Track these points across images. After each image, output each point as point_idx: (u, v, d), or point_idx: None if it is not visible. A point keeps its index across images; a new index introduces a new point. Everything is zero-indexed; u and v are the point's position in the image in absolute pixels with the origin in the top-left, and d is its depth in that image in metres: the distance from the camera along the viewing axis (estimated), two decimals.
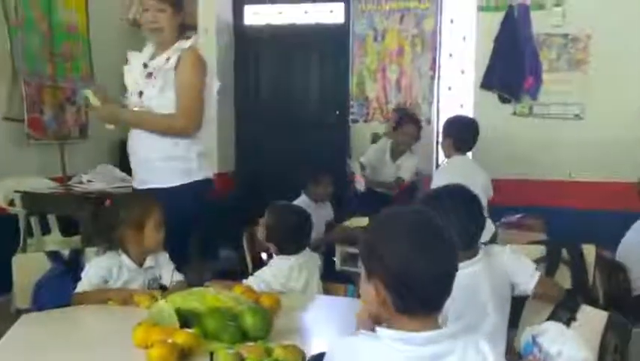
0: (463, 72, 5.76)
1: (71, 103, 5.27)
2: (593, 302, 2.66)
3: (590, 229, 3.43)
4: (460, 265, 1.47)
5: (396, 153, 5.13)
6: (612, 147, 5.07)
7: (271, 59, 6.34)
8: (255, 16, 6.34)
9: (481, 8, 5.47)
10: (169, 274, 2.55)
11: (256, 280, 2.59)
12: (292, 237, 2.74)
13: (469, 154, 4.21)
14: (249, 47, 6.35)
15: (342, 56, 5.97)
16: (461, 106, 5.72)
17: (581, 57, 5.24)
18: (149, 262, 2.52)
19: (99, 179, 4.48)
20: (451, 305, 1.44)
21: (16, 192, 4.39)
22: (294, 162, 5.39)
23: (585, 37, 5.20)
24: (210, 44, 5.92)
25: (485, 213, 2.55)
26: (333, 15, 6.10)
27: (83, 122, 5.38)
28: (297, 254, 2.71)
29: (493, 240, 3.18)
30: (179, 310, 1.94)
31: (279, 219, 2.79)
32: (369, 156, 5.22)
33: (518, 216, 4.37)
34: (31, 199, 4.32)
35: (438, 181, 3.69)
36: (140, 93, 3.03)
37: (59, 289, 2.46)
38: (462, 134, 4.00)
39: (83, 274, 2.44)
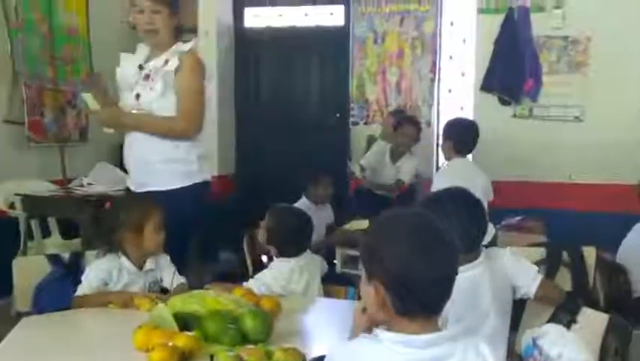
0: (463, 74, 5.76)
1: (72, 106, 5.27)
2: (594, 305, 2.66)
3: (591, 231, 3.43)
4: (461, 268, 1.48)
5: (395, 155, 5.13)
6: (612, 149, 5.07)
7: (271, 62, 6.35)
8: (255, 18, 6.35)
9: (481, 11, 5.47)
10: (170, 276, 2.55)
11: (256, 283, 2.59)
12: (293, 239, 2.74)
13: (470, 156, 4.21)
14: (250, 50, 6.36)
15: (342, 58, 5.97)
16: (461, 108, 5.73)
17: (581, 59, 5.24)
18: (149, 264, 2.52)
19: (99, 181, 4.48)
20: (450, 308, 1.44)
21: (17, 195, 4.39)
22: (295, 165, 5.39)
23: (585, 40, 5.20)
24: (211, 47, 5.93)
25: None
26: (333, 17, 6.10)
27: (83, 125, 5.38)
28: (298, 256, 2.71)
29: (493, 242, 3.17)
30: (178, 313, 1.94)
31: (279, 221, 2.79)
32: (369, 158, 5.23)
33: (518, 218, 4.37)
34: (31, 202, 4.32)
35: (438, 184, 3.70)
36: (137, 95, 3.00)
37: (60, 292, 2.46)
38: (462, 136, 4.00)
39: (83, 278, 2.44)
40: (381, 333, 1.39)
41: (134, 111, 3.03)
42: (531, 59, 5.33)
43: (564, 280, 2.86)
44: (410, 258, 1.35)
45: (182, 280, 2.58)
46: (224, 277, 4.31)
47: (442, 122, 5.24)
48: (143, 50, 3.11)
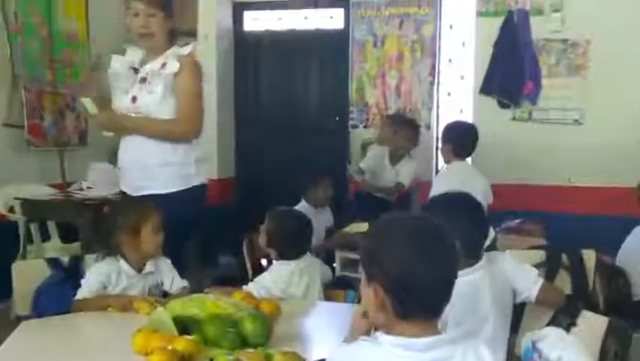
0: (462, 78, 5.76)
1: (71, 109, 5.26)
2: (593, 308, 2.66)
3: (590, 234, 3.43)
4: (461, 272, 1.48)
5: (395, 158, 5.13)
6: (612, 152, 5.07)
7: (271, 65, 6.35)
8: (254, 21, 6.35)
9: (480, 14, 5.47)
10: (170, 280, 2.55)
11: (256, 286, 2.59)
12: (292, 242, 2.74)
13: (469, 160, 4.21)
14: (249, 53, 6.36)
15: (341, 61, 5.97)
16: (461, 111, 5.72)
17: (580, 62, 5.24)
18: (148, 267, 2.52)
19: (98, 184, 4.48)
20: (450, 312, 1.44)
21: (16, 198, 4.39)
22: (294, 168, 5.40)
23: (584, 43, 5.20)
24: (210, 50, 5.93)
25: None
26: (332, 21, 6.10)
27: (82, 128, 5.38)
28: (298, 259, 2.71)
29: (492, 245, 3.17)
30: (177, 317, 1.94)
31: (279, 224, 2.79)
32: (369, 161, 5.22)
33: (518, 221, 4.36)
34: (30, 206, 4.32)
35: (437, 187, 3.70)
36: (134, 98, 3.00)
37: (59, 295, 2.46)
38: (461, 139, 4.01)
39: (82, 281, 2.44)
40: (380, 336, 1.39)
41: (132, 114, 3.03)
42: (530, 62, 5.34)
43: (564, 283, 2.86)
44: (410, 261, 1.35)
45: (184, 283, 2.58)
46: (224, 280, 4.30)
47: (441, 125, 5.24)
48: (135, 52, 3.10)
